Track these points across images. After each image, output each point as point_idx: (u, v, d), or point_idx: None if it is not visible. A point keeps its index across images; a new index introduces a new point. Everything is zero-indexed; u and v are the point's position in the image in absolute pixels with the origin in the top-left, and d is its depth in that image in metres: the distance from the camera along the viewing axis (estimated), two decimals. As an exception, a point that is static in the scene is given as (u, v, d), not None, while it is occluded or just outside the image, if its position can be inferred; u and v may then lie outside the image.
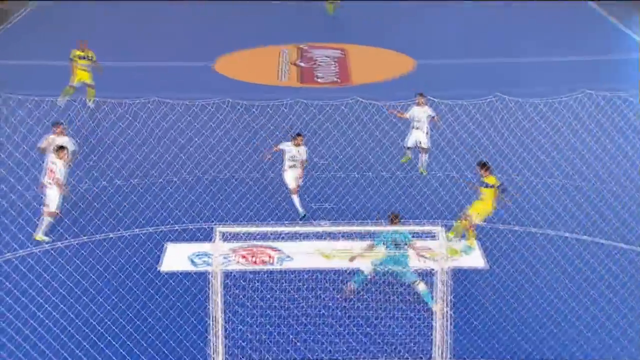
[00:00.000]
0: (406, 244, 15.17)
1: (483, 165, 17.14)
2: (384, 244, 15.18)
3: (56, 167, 17.32)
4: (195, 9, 39.63)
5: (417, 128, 20.57)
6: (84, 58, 25.28)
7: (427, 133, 20.51)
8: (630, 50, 32.23)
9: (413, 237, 15.63)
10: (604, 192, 19.37)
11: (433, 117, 20.51)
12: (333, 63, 31.30)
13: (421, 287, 15.19)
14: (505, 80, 27.68)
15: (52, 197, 17.39)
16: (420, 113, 20.50)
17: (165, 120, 19.39)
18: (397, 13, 37.40)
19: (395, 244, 15.20)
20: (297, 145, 18.63)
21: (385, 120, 21.60)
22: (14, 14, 37.37)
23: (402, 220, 15.57)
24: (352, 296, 15.24)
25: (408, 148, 20.91)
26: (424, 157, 20.70)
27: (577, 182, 20.00)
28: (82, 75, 25.12)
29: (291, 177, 18.58)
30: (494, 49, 32.39)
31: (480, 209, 17.09)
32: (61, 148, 17.34)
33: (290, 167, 18.67)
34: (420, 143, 20.59)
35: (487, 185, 17.06)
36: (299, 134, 18.62)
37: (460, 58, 31.14)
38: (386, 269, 15.32)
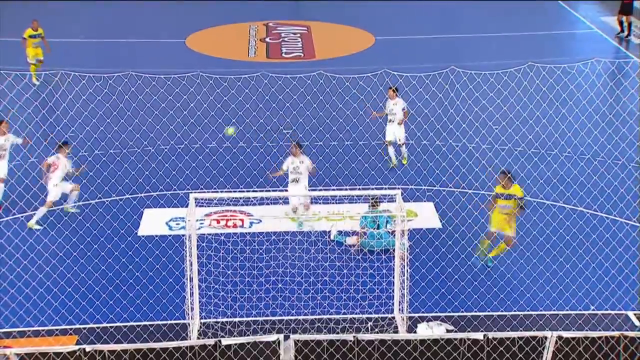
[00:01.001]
0: (387, 223, 15.44)
1: (506, 174, 15.12)
2: (365, 226, 15.40)
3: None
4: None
5: (392, 121, 19.99)
6: (36, 36, 25.48)
7: (401, 125, 19.97)
8: (565, 24, 32.47)
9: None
10: (547, 156, 19.56)
11: (404, 110, 19.99)
12: (298, 39, 31.12)
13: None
14: (459, 55, 27.72)
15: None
16: (392, 106, 20.19)
17: (140, 93, 19.15)
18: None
19: (375, 224, 15.44)
20: (295, 155, 17.01)
21: (346, 92, 21.52)
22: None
23: (363, 187, 15.64)
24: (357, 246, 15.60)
25: (389, 143, 20.04)
26: (403, 149, 20.11)
27: (524, 148, 20.18)
28: (36, 51, 25.40)
29: (293, 194, 16.62)
30: (447, 25, 32.36)
31: (501, 221, 15.15)
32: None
33: (292, 181, 16.85)
34: (399, 140, 19.97)
35: (510, 197, 15.10)
36: (297, 144, 17.10)
37: (416, 34, 31.07)
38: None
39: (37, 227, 16.92)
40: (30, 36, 25.47)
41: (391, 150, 20.00)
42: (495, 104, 20.14)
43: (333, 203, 16.74)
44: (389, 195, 14.72)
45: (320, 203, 17.07)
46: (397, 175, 19.01)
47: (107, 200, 17.96)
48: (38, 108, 20.13)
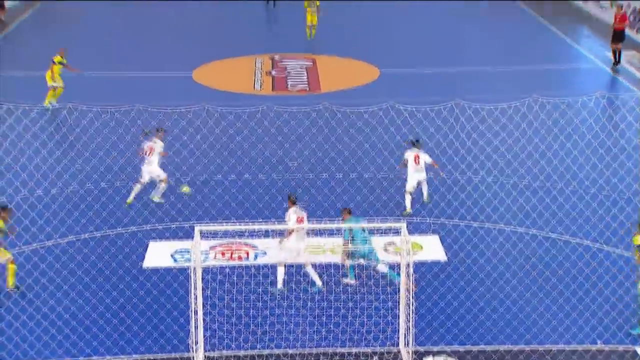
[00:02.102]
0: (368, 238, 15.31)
1: None
2: (352, 238, 15.20)
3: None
4: (173, 22, 39.45)
5: (417, 171, 19.21)
6: (62, 63, 26.47)
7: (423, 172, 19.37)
8: (569, 57, 32.56)
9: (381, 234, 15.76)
10: (553, 190, 19.48)
11: (432, 163, 19.28)
12: (304, 72, 31.25)
13: (382, 267, 15.21)
14: (463, 88, 27.75)
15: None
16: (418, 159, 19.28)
17: (147, 126, 19.22)
18: (362, 26, 37.35)
19: (364, 239, 15.25)
20: (292, 205, 15.64)
21: (352, 126, 21.55)
22: None
23: (368, 219, 15.57)
24: (353, 283, 15.34)
25: (409, 194, 19.19)
26: (425, 188, 19.45)
27: (529, 181, 20.12)
28: (58, 78, 26.19)
29: (294, 246, 15.53)
30: (452, 58, 32.46)
31: None
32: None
33: (295, 232, 15.47)
34: (421, 183, 19.30)
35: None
36: (289, 197, 15.82)
37: (421, 67, 31.18)
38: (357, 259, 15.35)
39: (161, 200, 19.01)
40: (60, 62, 26.42)
41: (408, 198, 19.20)
42: (500, 138, 20.15)
43: (338, 236, 16.68)
44: (394, 227, 14.66)
45: (325, 236, 17.01)
46: (402, 208, 18.97)
47: (112, 233, 17.92)
48: (45, 141, 20.18)
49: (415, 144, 19.28)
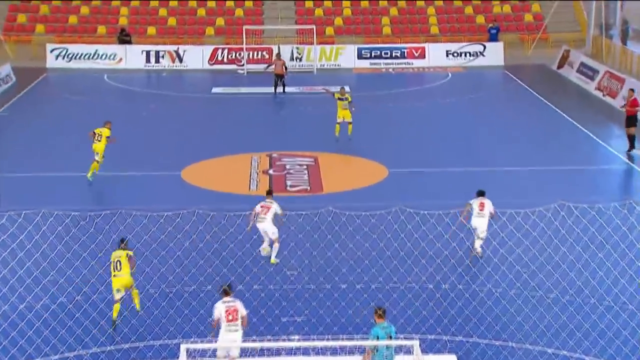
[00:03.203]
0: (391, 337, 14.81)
1: None
2: (377, 338, 14.76)
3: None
4: (161, 116, 39.82)
5: (480, 216, 22.16)
6: (109, 138, 29.27)
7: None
8: (599, 158, 32.53)
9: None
10: (585, 306, 19.00)
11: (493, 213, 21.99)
12: (304, 171, 31.23)
13: None
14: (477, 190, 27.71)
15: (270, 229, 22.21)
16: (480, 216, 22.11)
17: (131, 232, 18.95)
18: (368, 121, 37.65)
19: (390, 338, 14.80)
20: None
21: (357, 230, 21.29)
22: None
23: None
24: None
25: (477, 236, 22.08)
26: (479, 242, 22.01)
27: (557, 295, 19.67)
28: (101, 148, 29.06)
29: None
30: (466, 157, 32.48)
31: None
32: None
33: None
34: (481, 233, 21.99)
35: None
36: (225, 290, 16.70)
37: (434, 167, 31.17)
38: None
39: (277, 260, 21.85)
40: (107, 137, 29.27)
41: (478, 242, 21.90)
42: (523, 246, 19.85)
43: (342, 355, 16.21)
44: (405, 346, 14.21)
45: (328, 354, 16.52)
46: (414, 323, 18.49)
47: (86, 354, 17.39)
48: (15, 250, 19.84)
49: (482, 192, 22.59)
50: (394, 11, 58.51)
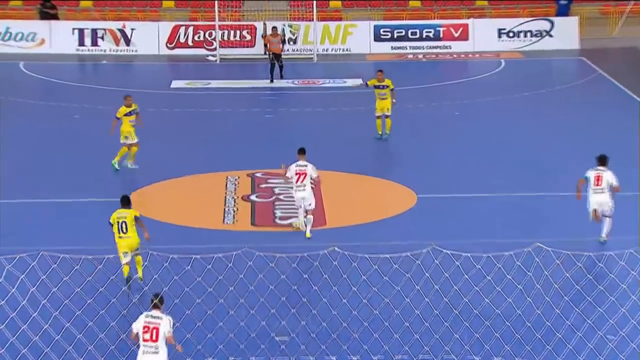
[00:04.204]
0: None
1: None
2: None
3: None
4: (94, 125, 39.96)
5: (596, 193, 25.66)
6: (131, 113, 32.83)
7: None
8: None
9: None
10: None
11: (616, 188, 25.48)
12: (299, 197, 31.30)
13: None
14: (536, 224, 27.81)
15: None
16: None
17: (55, 279, 19.13)
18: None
19: None
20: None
21: (374, 279, 21.37)
22: None
23: None
24: None
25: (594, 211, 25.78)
26: (607, 224, 25.76)
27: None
28: (129, 130, 32.75)
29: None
30: (522, 177, 32.57)
31: None
32: None
33: None
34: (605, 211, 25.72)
35: None
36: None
37: (478, 192, 31.30)
38: None
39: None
40: (125, 114, 32.70)
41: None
42: (597, 292, 19.99)
43: None
44: None
45: None
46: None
47: None
48: None
49: (602, 160, 25.79)
50: (425, -25, 58.81)
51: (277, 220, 29.46)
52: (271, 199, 31.21)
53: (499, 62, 50.89)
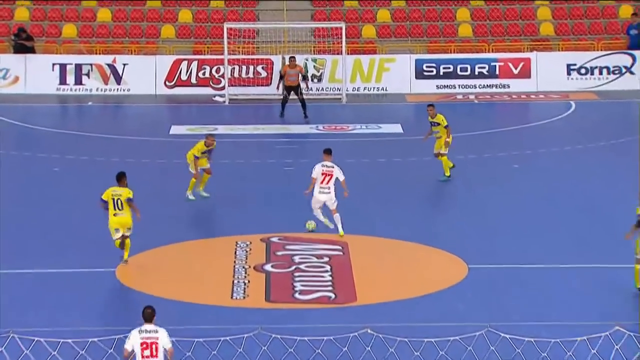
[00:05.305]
0: None
1: None
2: None
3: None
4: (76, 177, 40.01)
5: None
6: (208, 152, 36.84)
7: None
8: None
9: None
10: None
11: None
12: (325, 267, 31.26)
13: None
14: (613, 298, 27.68)
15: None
16: None
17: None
18: (435, 184, 37.75)
19: None
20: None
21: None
22: None
23: None
24: None
25: None
26: None
27: None
28: (202, 161, 36.84)
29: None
30: (599, 245, 32.50)
31: None
32: None
33: None
34: None
35: None
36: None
37: (544, 262, 31.21)
38: None
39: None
40: (203, 152, 36.68)
41: None
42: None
43: None
44: None
45: None
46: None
47: None
48: None
49: None
50: (477, -2, 58.86)
51: (297, 296, 29.38)
52: (290, 269, 31.15)
53: (568, 105, 50.94)
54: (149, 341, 19.29)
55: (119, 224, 29.30)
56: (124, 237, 29.54)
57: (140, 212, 29.30)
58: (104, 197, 29.35)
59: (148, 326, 19.47)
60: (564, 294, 28.79)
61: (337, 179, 32.06)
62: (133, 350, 19.27)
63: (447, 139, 37.45)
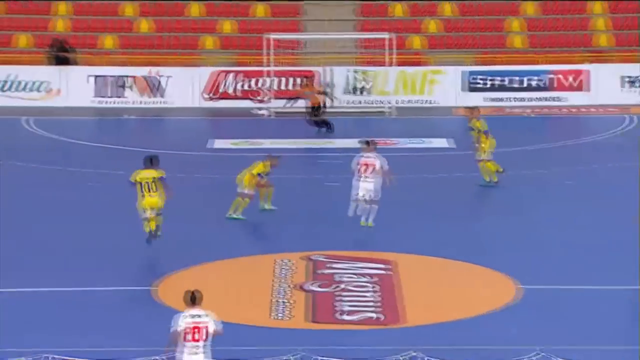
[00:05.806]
0: None
1: None
2: None
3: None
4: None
5: None
6: (268, 174, 37.27)
7: None
8: None
9: None
10: None
11: None
12: (370, 287, 31.15)
13: None
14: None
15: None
16: None
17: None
18: (485, 202, 37.56)
19: None
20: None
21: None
22: None
23: None
24: None
25: None
26: None
27: None
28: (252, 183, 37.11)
29: None
30: None
31: None
32: None
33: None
34: None
35: None
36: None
37: (603, 282, 30.94)
38: None
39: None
40: (259, 174, 37.12)
41: None
42: None
43: None
44: None
45: None
46: None
47: None
48: None
49: None
50: (529, 8, 58.81)
51: (340, 316, 29.22)
52: (333, 288, 31.03)
53: (627, 119, 50.69)
54: (200, 325, 20.04)
55: (150, 205, 31.77)
56: (158, 214, 32.02)
57: (172, 190, 31.51)
58: (132, 179, 31.96)
59: (197, 310, 20.23)
60: (623, 317, 28.49)
61: (381, 167, 32.87)
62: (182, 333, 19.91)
63: (482, 145, 37.83)
